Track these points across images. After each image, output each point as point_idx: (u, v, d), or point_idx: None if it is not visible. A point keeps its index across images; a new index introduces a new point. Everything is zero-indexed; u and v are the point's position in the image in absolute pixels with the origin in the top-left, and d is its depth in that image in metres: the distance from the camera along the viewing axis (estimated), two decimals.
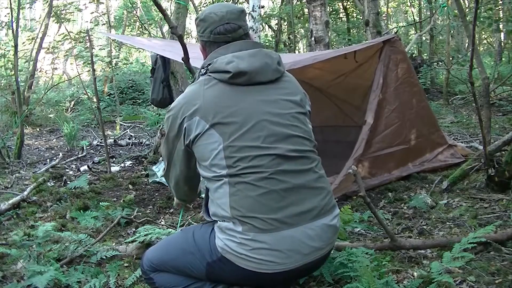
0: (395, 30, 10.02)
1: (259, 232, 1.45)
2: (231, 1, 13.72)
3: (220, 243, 1.51)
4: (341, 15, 14.31)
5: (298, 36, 14.38)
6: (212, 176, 1.53)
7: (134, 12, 11.39)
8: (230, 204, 1.48)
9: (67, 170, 5.25)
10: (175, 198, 2.01)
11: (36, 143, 7.41)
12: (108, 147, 5.63)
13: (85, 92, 8.16)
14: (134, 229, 3.05)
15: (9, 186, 4.40)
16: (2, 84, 8.41)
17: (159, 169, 4.72)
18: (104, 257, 2.45)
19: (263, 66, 1.57)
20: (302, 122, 1.63)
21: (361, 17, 10.12)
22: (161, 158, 5.21)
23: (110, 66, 9.91)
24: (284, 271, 1.49)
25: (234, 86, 1.54)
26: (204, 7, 14.42)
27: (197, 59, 3.39)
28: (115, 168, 5.20)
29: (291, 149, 1.54)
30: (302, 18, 12.60)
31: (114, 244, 2.76)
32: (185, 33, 11.98)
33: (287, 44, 12.31)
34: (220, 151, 1.49)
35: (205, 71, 1.60)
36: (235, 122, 1.50)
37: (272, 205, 1.47)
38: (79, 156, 5.99)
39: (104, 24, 11.20)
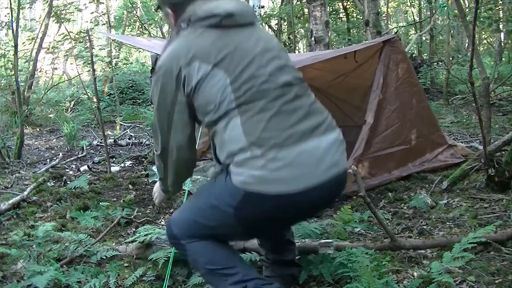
0: (395, 30, 10.03)
1: (278, 149, 1.47)
2: None
3: (240, 179, 1.50)
4: (341, 15, 14.31)
5: (298, 36, 14.38)
6: (220, 116, 1.53)
7: (134, 12, 11.40)
8: (245, 132, 1.50)
9: (67, 170, 5.25)
10: (159, 192, 1.92)
11: (36, 143, 7.41)
12: (108, 147, 5.62)
13: (85, 92, 8.15)
14: (134, 229, 3.04)
15: (9, 186, 4.40)
16: (2, 84, 8.40)
17: None
18: (104, 257, 2.45)
19: (243, 8, 1.65)
20: (287, 54, 1.75)
21: (361, 17, 10.12)
22: None
23: (110, 66, 9.90)
24: (308, 191, 1.49)
25: (223, 29, 1.59)
26: None
27: None
28: (115, 168, 5.20)
29: (291, 77, 1.62)
30: (302, 18, 12.60)
31: (114, 244, 2.76)
32: None
33: (287, 44, 12.30)
34: (227, 86, 1.52)
35: (186, 24, 1.61)
36: (235, 58, 1.54)
37: (284, 124, 1.51)
38: (79, 156, 5.99)
39: (104, 24, 11.20)
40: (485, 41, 14.11)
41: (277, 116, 1.51)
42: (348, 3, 13.36)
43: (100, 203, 3.60)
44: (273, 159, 1.47)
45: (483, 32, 12.32)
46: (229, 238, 1.79)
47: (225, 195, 1.56)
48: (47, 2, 8.71)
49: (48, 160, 5.91)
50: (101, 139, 6.80)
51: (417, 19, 13.02)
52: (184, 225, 1.69)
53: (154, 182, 4.43)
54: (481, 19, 7.89)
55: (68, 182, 4.40)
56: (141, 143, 6.89)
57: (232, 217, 1.55)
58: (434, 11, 9.71)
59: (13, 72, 6.82)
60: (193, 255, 1.68)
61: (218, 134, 1.58)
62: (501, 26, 9.96)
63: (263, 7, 11.02)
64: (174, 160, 1.68)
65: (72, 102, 10.87)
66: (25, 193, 3.76)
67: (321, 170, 1.52)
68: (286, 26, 13.46)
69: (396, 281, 2.03)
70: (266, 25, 14.12)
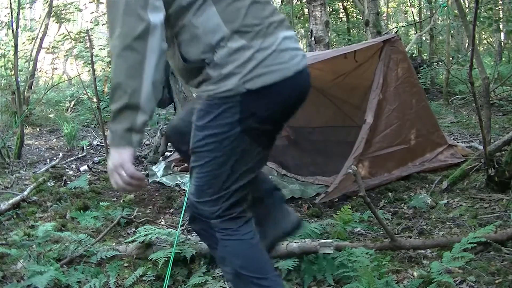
0: (395, 30, 10.03)
1: (262, 36, 1.37)
2: None
3: (228, 85, 1.36)
4: (341, 15, 14.31)
5: (298, 36, 14.38)
6: (190, 2, 1.35)
7: None
8: (224, 20, 1.35)
9: (67, 170, 5.25)
10: (124, 140, 1.35)
11: (36, 143, 7.41)
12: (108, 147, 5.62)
13: (85, 92, 8.15)
14: (134, 229, 3.04)
15: (9, 186, 4.40)
16: (2, 84, 8.40)
17: (159, 169, 4.72)
18: (104, 257, 2.45)
19: None
20: None
21: (361, 17, 10.13)
22: (161, 158, 5.21)
23: (110, 66, 9.90)
24: (297, 73, 1.42)
25: None
26: None
27: None
28: None
29: None
30: (302, 18, 12.61)
31: (114, 244, 2.76)
32: None
33: None
34: None
35: None
36: None
37: (261, 13, 1.41)
38: (79, 156, 5.99)
39: (104, 24, 11.19)
40: (485, 41, 14.11)
41: (254, 6, 1.40)
42: (348, 3, 13.37)
43: (100, 203, 3.60)
44: (260, 49, 1.36)
45: (483, 32, 12.32)
46: (253, 168, 1.51)
47: (222, 117, 1.39)
48: (47, 2, 8.71)
49: (48, 160, 5.91)
50: (101, 139, 6.80)
51: (417, 19, 13.01)
52: (206, 188, 1.45)
53: (154, 182, 4.45)
54: (481, 19, 7.88)
55: (68, 182, 4.40)
56: (141, 143, 6.89)
57: (243, 136, 1.40)
58: (434, 11, 9.71)
59: (13, 72, 6.82)
60: (225, 253, 1.49)
61: (187, 29, 1.38)
62: (501, 26, 9.96)
63: None
64: (156, 45, 1.31)
65: (72, 102, 10.87)
66: (25, 193, 3.76)
67: (299, 57, 1.46)
68: None
69: (396, 281, 2.03)
70: None
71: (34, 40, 8.39)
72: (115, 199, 3.99)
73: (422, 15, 12.24)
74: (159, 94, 1.36)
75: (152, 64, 1.30)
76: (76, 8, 9.85)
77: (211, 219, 1.46)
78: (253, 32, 1.37)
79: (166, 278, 2.11)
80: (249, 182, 1.50)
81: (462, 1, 8.79)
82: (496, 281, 1.97)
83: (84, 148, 6.33)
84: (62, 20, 9.21)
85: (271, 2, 1.53)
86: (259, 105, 1.40)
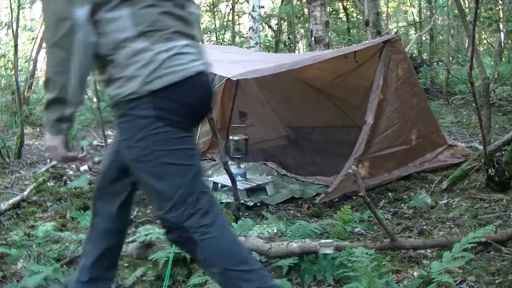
0: (395, 30, 10.04)
1: (165, 41, 1.44)
2: (231, 0, 13.76)
3: (132, 88, 1.41)
4: (341, 15, 14.31)
5: (298, 36, 14.38)
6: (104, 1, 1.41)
7: None
8: (133, 22, 1.41)
9: (67, 170, 5.24)
10: (55, 128, 1.48)
11: (36, 143, 7.41)
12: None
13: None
14: (134, 229, 3.04)
15: (9, 186, 4.40)
16: (2, 84, 8.41)
17: None
18: None
19: None
20: None
21: (361, 17, 10.13)
22: None
23: None
24: (193, 78, 1.47)
25: None
26: (204, 7, 14.44)
27: None
28: None
29: None
30: (302, 18, 12.61)
31: None
32: None
33: (287, 44, 12.30)
34: None
35: None
36: None
37: (170, 23, 1.47)
38: (79, 156, 5.99)
39: None
40: (485, 41, 14.10)
41: (166, 15, 1.47)
42: (348, 3, 13.37)
43: None
44: (162, 51, 1.42)
45: (483, 32, 12.31)
46: (192, 161, 1.54)
47: (140, 120, 1.44)
48: None
49: (48, 160, 5.91)
50: (101, 139, 6.80)
51: (417, 19, 13.02)
52: (163, 196, 1.49)
53: None
54: (481, 19, 7.88)
55: (68, 182, 4.40)
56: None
57: (165, 129, 1.44)
58: (434, 11, 9.72)
59: (13, 72, 6.82)
60: (207, 254, 1.49)
61: (100, 24, 1.43)
62: (501, 26, 9.95)
63: (263, 7, 11.02)
64: (81, 41, 1.37)
65: None
66: (25, 193, 3.76)
67: (199, 62, 1.51)
68: (286, 26, 13.47)
69: (396, 281, 2.03)
70: (266, 25, 14.14)
71: (34, 40, 8.40)
72: None
73: (422, 15, 12.26)
74: (86, 87, 1.47)
75: (78, 61, 1.38)
76: None
77: (184, 221, 1.48)
78: (157, 36, 1.43)
79: (166, 278, 2.10)
80: (196, 175, 1.52)
81: (462, 1, 8.79)
82: (496, 281, 1.97)
83: (84, 148, 6.33)
84: None
85: (191, 19, 1.58)
86: (166, 103, 1.44)
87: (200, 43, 1.64)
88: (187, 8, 1.57)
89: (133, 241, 2.55)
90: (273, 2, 15.84)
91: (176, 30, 1.48)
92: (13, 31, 6.28)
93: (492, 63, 11.12)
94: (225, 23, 14.74)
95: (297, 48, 14.71)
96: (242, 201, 3.32)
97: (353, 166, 2.82)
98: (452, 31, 11.15)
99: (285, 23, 13.29)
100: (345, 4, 13.53)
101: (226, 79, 3.54)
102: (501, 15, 10.18)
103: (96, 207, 1.79)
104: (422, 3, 12.24)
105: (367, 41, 6.04)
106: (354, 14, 13.88)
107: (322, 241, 2.25)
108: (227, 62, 4.09)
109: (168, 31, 1.45)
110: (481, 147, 4.00)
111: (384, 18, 14.38)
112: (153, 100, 1.43)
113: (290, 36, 12.71)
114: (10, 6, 6.36)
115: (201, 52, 1.57)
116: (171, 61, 1.44)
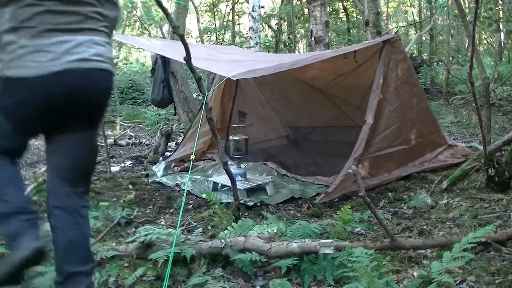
0: (395, 30, 10.04)
1: (32, 37, 1.58)
2: (231, 0, 13.76)
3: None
4: (341, 15, 14.32)
5: (298, 36, 14.39)
6: None
7: (134, 12, 11.40)
8: (11, 17, 1.59)
9: None
10: None
11: (36, 143, 7.40)
12: (108, 147, 5.62)
13: None
14: (134, 229, 3.04)
15: None
16: None
17: (159, 169, 4.72)
18: (104, 257, 2.44)
19: None
20: None
21: (361, 17, 10.12)
22: (161, 158, 5.22)
23: None
24: (52, 75, 1.59)
25: None
26: (204, 7, 14.45)
27: (198, 59, 3.41)
28: (115, 168, 5.20)
29: None
30: (302, 18, 12.62)
31: (114, 244, 2.75)
32: (185, 33, 11.99)
33: (287, 44, 12.31)
34: None
35: None
36: None
37: (50, 19, 1.61)
38: None
39: None
40: (485, 41, 14.11)
41: (48, 13, 1.60)
42: (348, 3, 13.37)
43: (100, 203, 3.59)
44: (24, 46, 1.58)
45: (483, 32, 12.32)
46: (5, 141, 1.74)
47: None
48: None
49: None
50: (101, 139, 6.80)
51: (417, 19, 13.02)
52: None
53: (154, 182, 4.45)
54: (481, 19, 7.89)
55: None
56: (141, 143, 6.89)
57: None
58: (434, 11, 9.72)
59: None
60: None
61: None
62: (501, 26, 9.96)
63: (263, 7, 11.02)
64: None
65: None
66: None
67: (66, 60, 1.61)
68: (286, 26, 13.46)
69: (396, 281, 2.03)
70: (266, 25, 14.14)
71: None
72: (115, 199, 3.98)
73: (422, 15, 12.26)
74: None
75: None
76: None
77: None
78: (23, 32, 1.59)
79: (166, 278, 2.10)
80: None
81: (462, 1, 8.79)
82: (496, 281, 1.97)
83: None
84: None
85: (82, 15, 1.68)
86: (15, 92, 1.63)
87: (108, 37, 1.78)
88: (89, 5, 1.69)
89: (133, 241, 2.55)
90: (273, 2, 15.84)
91: (53, 28, 1.61)
92: None
93: (492, 63, 11.13)
94: (225, 23, 14.75)
95: (297, 48, 14.72)
96: (242, 201, 3.32)
97: (353, 166, 2.82)
98: (452, 31, 11.16)
99: (285, 23, 13.28)
100: (345, 4, 13.54)
101: (226, 79, 3.54)
102: (501, 15, 10.18)
103: None
104: (422, 3, 12.25)
105: (367, 41, 6.04)
106: (354, 14, 13.89)
107: (322, 241, 2.25)
108: (227, 62, 4.09)
109: (37, 29, 1.59)
110: (481, 147, 4.00)
111: (384, 18, 14.38)
112: (6, 84, 1.63)
113: (290, 36, 12.71)
114: None
115: (89, 48, 1.67)
116: (29, 57, 1.59)
